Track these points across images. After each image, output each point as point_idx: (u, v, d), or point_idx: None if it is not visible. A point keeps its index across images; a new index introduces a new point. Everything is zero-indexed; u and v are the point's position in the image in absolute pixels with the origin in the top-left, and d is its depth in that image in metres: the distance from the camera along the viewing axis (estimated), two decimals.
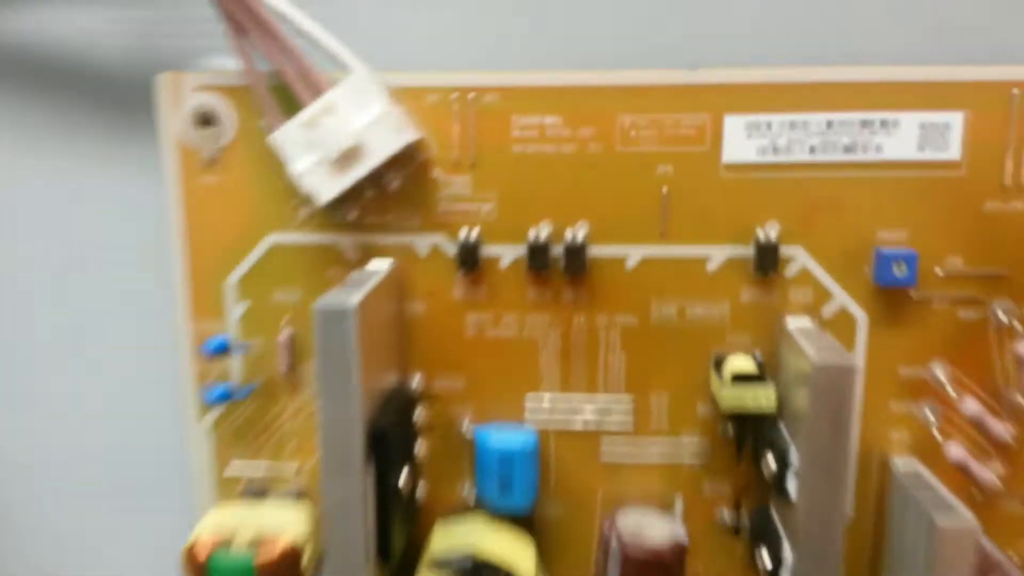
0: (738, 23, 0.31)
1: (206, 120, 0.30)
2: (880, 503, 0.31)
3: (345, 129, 0.29)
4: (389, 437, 0.27)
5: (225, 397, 0.32)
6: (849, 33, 0.31)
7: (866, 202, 0.29)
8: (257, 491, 0.32)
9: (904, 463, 0.30)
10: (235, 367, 0.32)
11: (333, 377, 0.26)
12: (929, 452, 0.30)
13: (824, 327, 0.30)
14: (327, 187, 0.29)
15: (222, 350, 0.32)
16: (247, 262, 0.31)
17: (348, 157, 0.29)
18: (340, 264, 0.31)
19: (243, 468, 0.32)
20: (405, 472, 0.28)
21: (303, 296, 0.31)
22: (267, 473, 0.32)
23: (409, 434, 0.30)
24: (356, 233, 0.31)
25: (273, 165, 0.30)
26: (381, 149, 0.29)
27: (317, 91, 0.29)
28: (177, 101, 0.30)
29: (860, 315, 0.30)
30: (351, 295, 0.26)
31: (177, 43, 0.32)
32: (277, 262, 0.31)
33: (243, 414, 0.32)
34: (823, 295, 0.30)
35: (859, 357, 0.30)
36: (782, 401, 0.28)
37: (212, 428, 0.32)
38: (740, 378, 0.28)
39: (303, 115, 0.29)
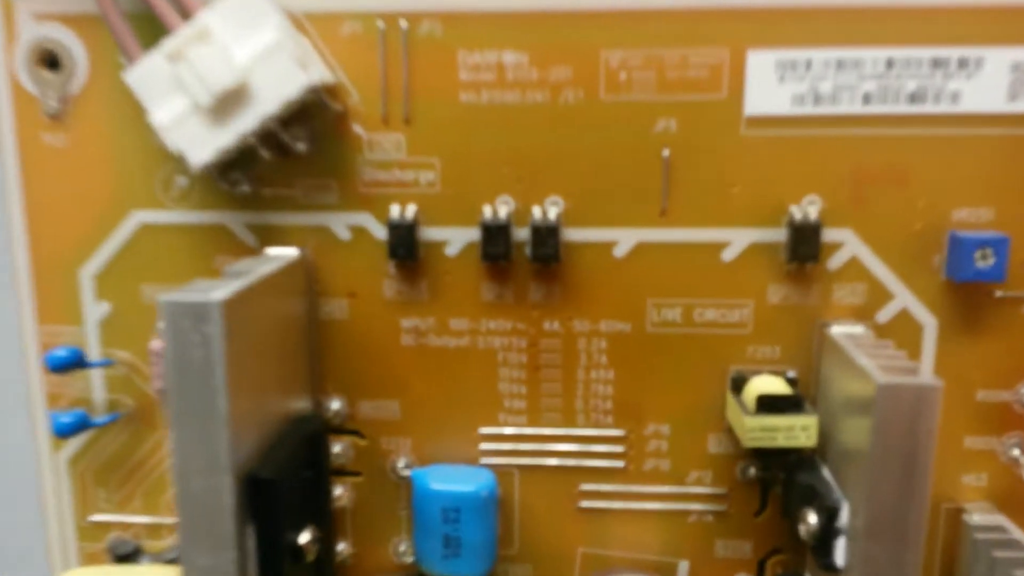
0: None
1: (50, 60, 0.25)
2: (948, 567, 0.27)
3: (223, 63, 0.22)
4: (278, 485, 0.22)
5: (77, 426, 0.26)
6: None
7: (938, 170, 0.25)
8: (126, 550, 0.27)
9: (982, 515, 0.26)
10: (96, 385, 0.27)
11: (189, 403, 0.21)
12: (1015, 500, 0.26)
13: (881, 336, 0.25)
14: (201, 144, 0.23)
15: (71, 363, 0.26)
16: (107, 248, 0.26)
17: (229, 103, 0.23)
18: (231, 251, 0.26)
19: (110, 518, 0.28)
20: (308, 531, 0.23)
21: None
22: (140, 525, 0.28)
23: (319, 479, 0.25)
24: (252, 211, 0.26)
25: (138, 119, 0.24)
26: (275, 93, 0.23)
27: (190, 16, 0.23)
28: (10, 34, 0.25)
29: (928, 320, 0.26)
30: (220, 287, 0.21)
31: None
32: (147, 248, 0.26)
33: (110, 446, 0.27)
34: (879, 294, 0.26)
35: (925, 376, 0.25)
36: (825, 435, 0.24)
37: (69, 464, 0.28)
38: (768, 403, 0.24)
39: (167, 44, 0.23)
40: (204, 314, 0.20)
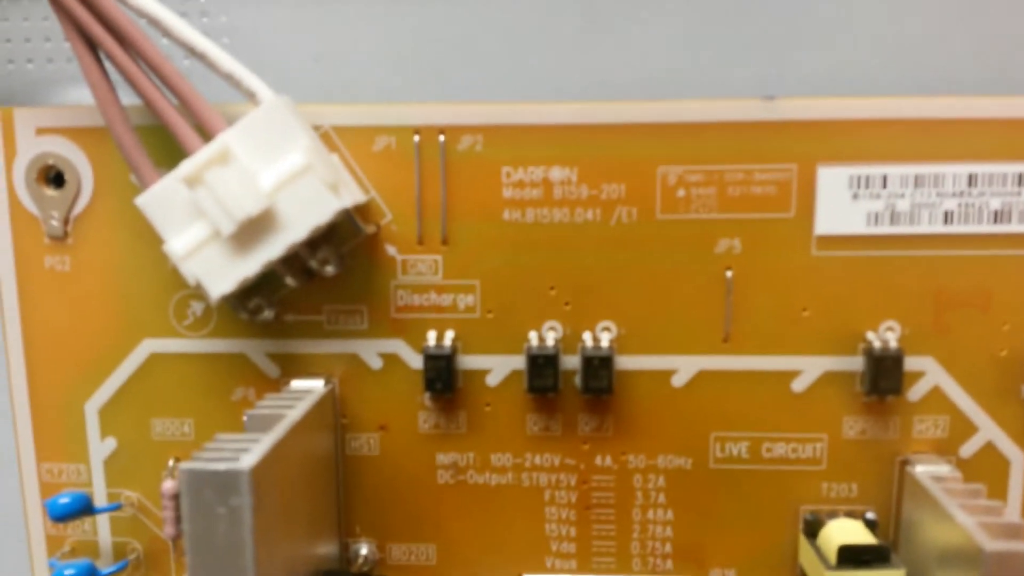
0: (836, 35, 0.26)
1: (52, 176, 0.23)
2: None
3: (247, 189, 0.20)
4: None
5: None
6: (997, 50, 0.25)
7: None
8: None
9: None
10: (102, 531, 0.25)
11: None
12: None
13: (964, 470, 0.23)
14: (222, 275, 0.21)
15: (75, 512, 0.23)
16: (115, 380, 0.24)
17: (253, 230, 0.21)
18: (251, 383, 0.24)
19: None
20: None
21: (196, 429, 0.24)
22: None
23: None
24: (274, 338, 0.24)
25: (149, 239, 0.22)
26: (304, 219, 0.21)
27: (209, 133, 0.21)
28: (10, 149, 0.23)
29: (1015, 454, 0.24)
30: (246, 446, 0.19)
31: (14, 69, 0.26)
32: (158, 380, 0.24)
33: None
34: (962, 426, 0.24)
35: (1011, 515, 0.23)
36: None
37: None
38: (851, 555, 0.22)
39: (184, 167, 0.21)
40: (233, 485, 0.17)
